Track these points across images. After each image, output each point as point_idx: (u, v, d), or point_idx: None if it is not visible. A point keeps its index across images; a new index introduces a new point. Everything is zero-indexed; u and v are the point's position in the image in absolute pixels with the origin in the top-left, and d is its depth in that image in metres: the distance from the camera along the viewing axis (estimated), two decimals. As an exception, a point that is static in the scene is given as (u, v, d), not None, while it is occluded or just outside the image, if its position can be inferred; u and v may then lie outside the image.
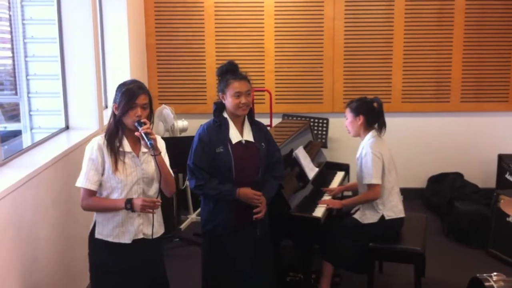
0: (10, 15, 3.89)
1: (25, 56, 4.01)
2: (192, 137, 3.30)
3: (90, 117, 4.19)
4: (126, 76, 5.05)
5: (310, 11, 5.91)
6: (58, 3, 4.05)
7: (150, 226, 2.84)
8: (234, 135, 3.21)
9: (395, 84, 6.03)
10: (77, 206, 2.82)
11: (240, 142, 3.21)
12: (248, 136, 3.26)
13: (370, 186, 3.73)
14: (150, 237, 2.86)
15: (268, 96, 5.69)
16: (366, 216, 3.79)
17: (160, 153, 2.75)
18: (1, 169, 3.11)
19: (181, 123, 5.37)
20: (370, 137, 3.81)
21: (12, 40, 3.93)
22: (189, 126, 5.42)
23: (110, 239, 2.80)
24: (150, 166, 2.82)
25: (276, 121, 5.53)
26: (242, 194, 3.16)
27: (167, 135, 5.33)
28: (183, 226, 5.36)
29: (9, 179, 2.90)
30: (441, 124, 6.12)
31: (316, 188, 4.12)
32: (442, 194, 5.64)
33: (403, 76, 6.02)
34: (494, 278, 3.09)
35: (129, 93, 2.72)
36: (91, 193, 2.75)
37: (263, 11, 5.89)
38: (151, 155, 2.73)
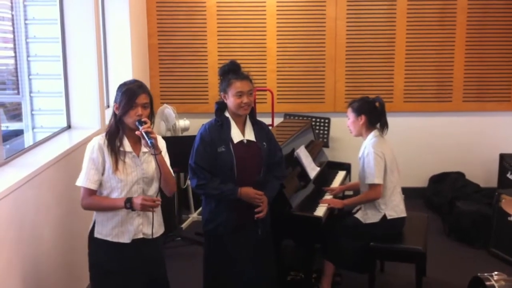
0: (12, 15, 3.90)
1: (27, 56, 4.02)
2: (194, 136, 3.31)
3: (92, 117, 4.20)
4: (128, 76, 5.06)
5: (312, 10, 5.91)
6: (61, 3, 4.05)
7: (150, 226, 2.84)
8: (236, 135, 3.21)
9: (397, 84, 6.03)
10: (79, 205, 2.82)
11: (241, 141, 3.22)
12: (250, 135, 3.26)
13: (372, 186, 3.73)
14: (150, 237, 2.86)
15: (270, 96, 5.69)
16: (367, 216, 3.79)
17: (160, 152, 2.76)
18: (2, 169, 3.11)
19: (182, 122, 5.38)
20: (372, 136, 3.81)
21: (14, 40, 3.94)
22: (191, 125, 5.43)
23: (109, 239, 2.81)
24: (150, 166, 2.83)
25: (277, 120, 5.53)
26: (244, 194, 3.17)
27: (168, 134, 5.33)
28: (184, 225, 5.37)
29: (10, 178, 2.91)
30: (443, 124, 6.12)
31: (317, 188, 4.13)
32: (443, 194, 5.63)
33: (405, 75, 6.02)
34: (495, 277, 3.10)
35: (130, 92, 2.73)
36: (91, 192, 2.76)
37: (265, 10, 5.89)
38: (152, 154, 2.74)
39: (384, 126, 3.84)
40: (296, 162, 4.04)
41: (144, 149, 2.80)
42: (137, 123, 2.70)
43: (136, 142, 2.81)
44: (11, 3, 3.88)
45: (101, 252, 2.85)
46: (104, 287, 2.88)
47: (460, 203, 5.09)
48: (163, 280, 3.04)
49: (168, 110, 5.31)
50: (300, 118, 5.83)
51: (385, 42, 5.95)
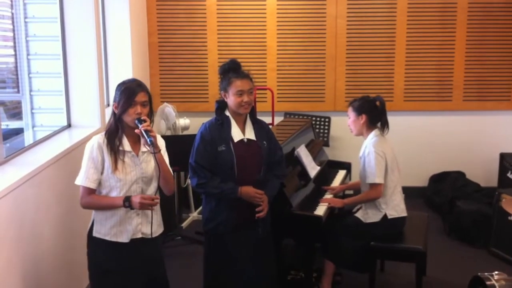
0: (12, 13, 3.89)
1: (28, 54, 4.01)
2: (194, 135, 3.30)
3: (92, 115, 4.20)
4: (128, 75, 5.06)
5: (312, 9, 5.90)
6: (61, 1, 4.05)
7: (149, 226, 2.84)
8: (236, 134, 3.21)
9: (397, 83, 6.02)
10: (78, 204, 2.81)
11: (242, 140, 3.21)
12: (250, 134, 3.26)
13: (373, 185, 3.72)
14: (149, 237, 2.86)
15: (270, 95, 5.69)
16: (368, 215, 3.79)
17: (159, 150, 2.76)
18: (3, 167, 3.11)
19: (183, 121, 5.38)
20: (373, 136, 3.81)
21: (14, 38, 3.93)
22: (191, 124, 5.42)
23: (107, 238, 2.81)
24: (149, 165, 2.82)
25: (278, 119, 5.53)
26: (244, 193, 3.16)
27: (169, 133, 5.33)
28: (184, 224, 5.37)
29: (10, 177, 2.91)
30: (443, 123, 6.12)
31: (317, 187, 4.12)
32: (443, 193, 5.63)
33: (405, 74, 6.01)
34: (496, 277, 3.10)
35: (128, 91, 2.73)
36: (90, 191, 2.76)
37: (265, 9, 5.88)
38: (151, 152, 2.73)
39: (384, 125, 3.84)
40: (296, 161, 4.04)
41: (143, 148, 2.80)
42: (136, 121, 2.70)
43: (135, 142, 2.81)
44: (11, 1, 3.88)
45: (99, 251, 2.85)
46: (103, 286, 2.88)
47: (460, 203, 5.09)
48: (163, 279, 3.04)
49: (168, 108, 5.30)
50: (300, 117, 5.82)
51: (386, 41, 5.95)
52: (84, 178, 2.74)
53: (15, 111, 4.08)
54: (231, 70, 3.19)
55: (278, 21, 5.91)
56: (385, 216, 3.75)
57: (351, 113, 3.86)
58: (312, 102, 6.06)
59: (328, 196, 4.05)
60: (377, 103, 3.83)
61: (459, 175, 5.92)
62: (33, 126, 4.09)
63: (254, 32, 5.92)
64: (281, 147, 3.50)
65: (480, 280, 3.13)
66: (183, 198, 5.61)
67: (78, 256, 3.62)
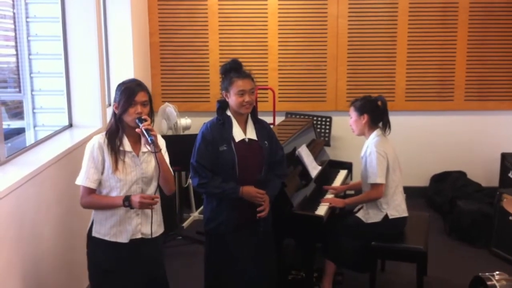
0: (14, 13, 3.90)
1: (29, 54, 4.01)
2: (195, 135, 3.31)
3: (93, 115, 4.20)
4: (130, 74, 5.06)
5: (314, 9, 5.90)
6: (62, 1, 4.05)
7: (149, 226, 2.83)
8: (238, 134, 3.21)
9: (399, 83, 6.02)
10: (79, 204, 2.82)
11: (243, 140, 3.22)
12: (251, 134, 3.26)
13: (374, 185, 3.72)
14: (149, 237, 2.86)
15: (271, 94, 5.68)
16: (369, 215, 3.78)
17: (160, 150, 2.76)
18: (4, 167, 3.11)
19: (184, 121, 5.38)
20: (374, 136, 3.81)
21: (16, 38, 3.93)
22: (192, 124, 5.43)
23: (107, 238, 2.81)
24: (149, 166, 2.83)
25: (279, 119, 5.53)
26: (246, 193, 3.17)
27: (170, 133, 5.33)
28: (185, 224, 5.38)
29: (12, 176, 2.91)
30: (445, 123, 6.11)
31: (318, 187, 4.12)
32: (444, 193, 5.63)
33: (406, 74, 6.01)
34: (497, 277, 3.10)
35: (128, 91, 2.74)
36: (90, 191, 2.77)
37: (266, 9, 5.88)
38: (152, 152, 2.73)
39: (386, 125, 3.83)
40: (298, 161, 4.04)
41: (143, 148, 2.81)
42: (137, 120, 2.71)
43: (136, 142, 2.81)
44: (13, 1, 3.88)
45: (99, 251, 2.85)
46: (102, 286, 2.88)
47: (461, 203, 5.09)
48: (162, 280, 3.04)
49: (170, 108, 5.30)
50: (302, 116, 5.82)
51: (387, 41, 5.94)
52: (84, 178, 2.75)
53: (16, 111, 4.09)
54: (233, 70, 3.19)
55: (279, 21, 5.91)
56: (386, 216, 3.75)
57: (353, 113, 3.86)
58: (313, 102, 6.06)
59: (329, 196, 4.05)
60: (379, 103, 3.83)
61: (460, 175, 5.91)
62: (35, 126, 4.09)
63: (255, 32, 5.92)
64: (282, 147, 3.50)
65: (481, 280, 3.13)
66: (184, 198, 5.61)
67: (78, 256, 3.62)
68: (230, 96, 3.17)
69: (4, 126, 3.46)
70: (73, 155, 3.60)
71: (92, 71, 4.13)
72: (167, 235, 4.73)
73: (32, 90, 4.05)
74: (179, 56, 5.98)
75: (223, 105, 3.25)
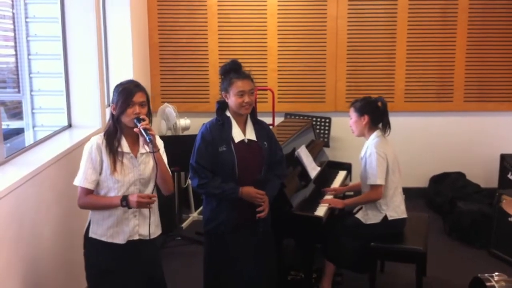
0: (13, 13, 3.89)
1: (28, 54, 4.01)
2: (195, 135, 3.31)
3: (92, 115, 4.19)
4: (129, 75, 5.06)
5: (313, 10, 5.90)
6: (62, 1, 4.04)
7: (147, 227, 2.83)
8: (237, 134, 3.21)
9: (398, 84, 6.02)
10: (78, 204, 2.83)
11: (242, 141, 3.22)
12: (251, 135, 3.26)
13: (373, 187, 3.72)
14: (147, 238, 2.85)
15: (271, 95, 5.68)
16: (368, 216, 3.78)
17: (158, 150, 2.77)
18: (3, 167, 3.11)
19: (183, 121, 5.37)
20: (374, 137, 3.80)
21: (15, 38, 3.93)
22: (192, 124, 5.42)
23: (104, 239, 2.81)
24: (147, 167, 2.83)
25: (278, 120, 5.53)
26: (245, 193, 3.16)
27: (169, 133, 5.33)
28: (184, 224, 5.37)
29: (11, 177, 2.90)
30: (444, 124, 6.12)
31: (318, 187, 4.12)
32: (444, 194, 5.63)
33: (406, 75, 6.01)
34: (496, 278, 3.09)
35: (126, 91, 2.74)
36: (88, 192, 2.76)
37: (266, 9, 5.89)
38: (150, 151, 2.73)
39: (386, 126, 3.83)
40: (297, 162, 4.04)
41: (142, 150, 2.81)
42: (135, 120, 2.71)
43: (134, 143, 2.81)
44: (12, 1, 3.87)
45: (96, 252, 2.84)
46: (99, 287, 2.88)
47: (460, 203, 5.09)
48: (160, 280, 3.04)
49: (169, 109, 5.30)
50: (301, 117, 5.82)
51: (386, 42, 5.95)
52: (82, 179, 2.75)
53: (15, 111, 4.08)
54: (232, 70, 3.19)
55: (279, 22, 5.91)
56: (385, 217, 3.75)
57: (353, 114, 3.86)
58: (312, 102, 6.06)
59: (328, 196, 4.05)
60: (379, 104, 3.83)
61: (460, 175, 5.92)
62: (34, 126, 4.08)
63: (255, 32, 5.92)
64: (282, 147, 3.50)
65: (480, 281, 3.12)
66: (183, 199, 5.61)
67: (78, 256, 3.61)
68: (229, 96, 3.17)
69: (3, 126, 3.46)
70: (72, 155, 3.60)
71: (92, 71, 4.13)
72: (166, 236, 4.73)
73: (31, 90, 4.05)
74: (178, 57, 5.98)
75: (222, 105, 3.25)
